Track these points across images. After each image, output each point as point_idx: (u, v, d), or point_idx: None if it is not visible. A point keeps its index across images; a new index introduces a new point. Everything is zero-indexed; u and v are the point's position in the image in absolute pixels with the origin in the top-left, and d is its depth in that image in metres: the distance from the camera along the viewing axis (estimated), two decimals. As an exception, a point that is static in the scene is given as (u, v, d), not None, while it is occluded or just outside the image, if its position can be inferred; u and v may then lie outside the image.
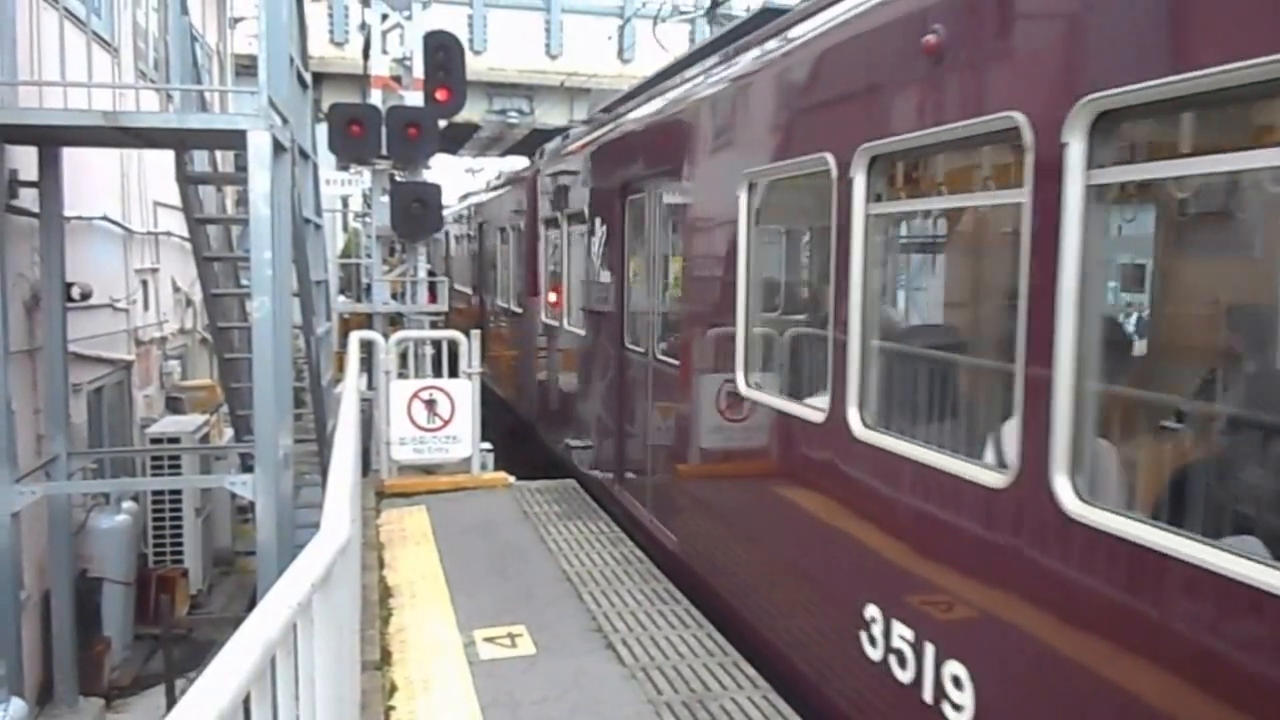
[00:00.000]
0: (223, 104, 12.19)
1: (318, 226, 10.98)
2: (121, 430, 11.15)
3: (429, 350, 11.33)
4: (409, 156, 12.95)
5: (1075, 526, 3.07)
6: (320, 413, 9.93)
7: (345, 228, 24.49)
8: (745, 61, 5.88)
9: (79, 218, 9.32)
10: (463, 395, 9.47)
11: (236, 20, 17.53)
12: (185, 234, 9.75)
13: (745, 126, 5.77)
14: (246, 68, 14.70)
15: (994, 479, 3.46)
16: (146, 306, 12.21)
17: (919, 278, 5.32)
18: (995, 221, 4.17)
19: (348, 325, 13.28)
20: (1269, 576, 2.47)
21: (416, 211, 13.05)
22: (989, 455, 3.67)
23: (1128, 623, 2.91)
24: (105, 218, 10.51)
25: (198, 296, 11.93)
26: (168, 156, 8.57)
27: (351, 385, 6.77)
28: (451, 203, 21.79)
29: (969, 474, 3.61)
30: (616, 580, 6.75)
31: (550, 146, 12.09)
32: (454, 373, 9.68)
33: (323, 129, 12.68)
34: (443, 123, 13.38)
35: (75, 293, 8.58)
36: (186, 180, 8.70)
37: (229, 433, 11.94)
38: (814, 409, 4.79)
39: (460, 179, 38.13)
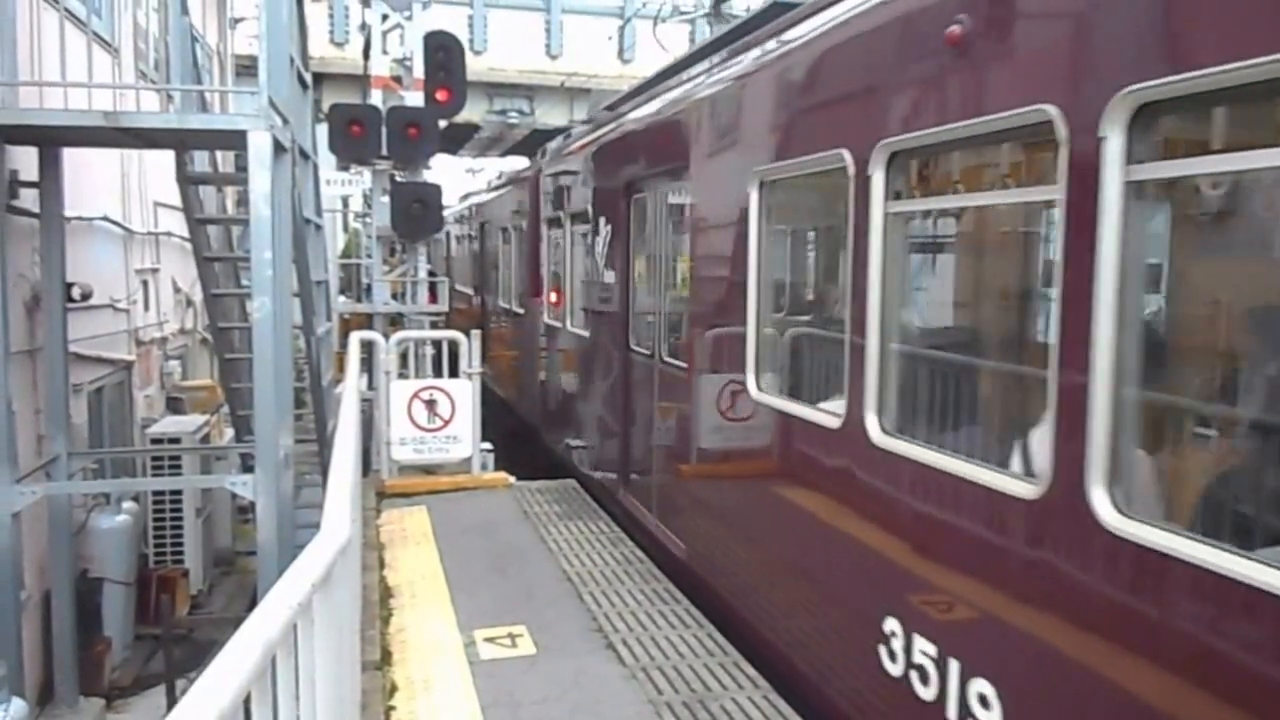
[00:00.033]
0: (223, 104, 12.18)
1: (318, 227, 10.97)
2: (122, 430, 11.15)
3: (429, 350, 11.33)
4: (409, 157, 12.97)
5: (1113, 540, 2.94)
6: (320, 413, 9.93)
7: (345, 228, 24.55)
8: (756, 57, 5.73)
9: (79, 218, 9.32)
10: (463, 395, 9.48)
11: (237, 20, 17.52)
12: (186, 234, 9.77)
13: (757, 123, 5.63)
14: (247, 68, 14.69)
15: (1023, 489, 3.33)
16: (147, 307, 12.20)
17: (940, 278, 5.09)
18: (1023, 220, 4.00)
19: (348, 325, 13.30)
20: None
21: (417, 212, 13.07)
22: (1015, 464, 3.55)
23: (1171, 644, 2.77)
24: (106, 218, 10.50)
25: (198, 297, 11.93)
26: (168, 157, 8.58)
27: (352, 385, 6.76)
28: (452, 203, 21.78)
29: (995, 483, 3.48)
30: (617, 580, 6.74)
31: (553, 145, 12.00)
32: (454, 373, 9.69)
33: (323, 129, 12.69)
34: (443, 123, 13.39)
35: (76, 293, 8.58)
36: (187, 180, 8.71)
37: (229, 433, 11.93)
38: (830, 414, 4.66)
39: (460, 179, 38.23)
